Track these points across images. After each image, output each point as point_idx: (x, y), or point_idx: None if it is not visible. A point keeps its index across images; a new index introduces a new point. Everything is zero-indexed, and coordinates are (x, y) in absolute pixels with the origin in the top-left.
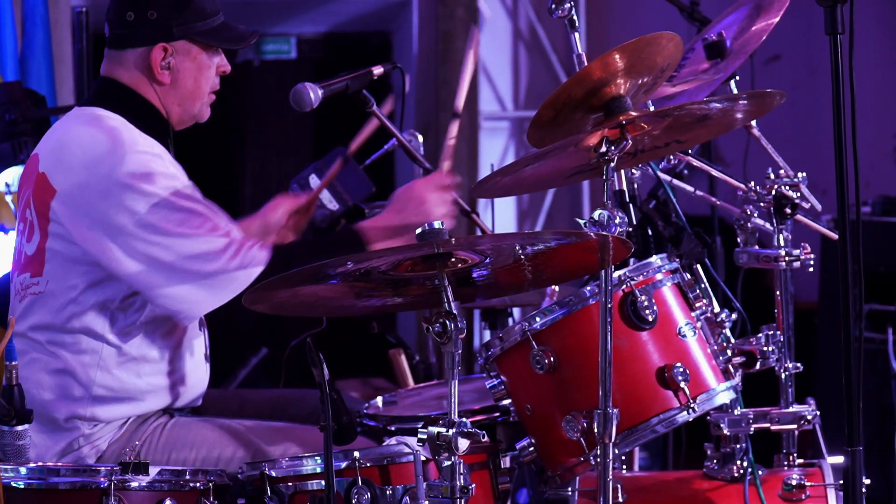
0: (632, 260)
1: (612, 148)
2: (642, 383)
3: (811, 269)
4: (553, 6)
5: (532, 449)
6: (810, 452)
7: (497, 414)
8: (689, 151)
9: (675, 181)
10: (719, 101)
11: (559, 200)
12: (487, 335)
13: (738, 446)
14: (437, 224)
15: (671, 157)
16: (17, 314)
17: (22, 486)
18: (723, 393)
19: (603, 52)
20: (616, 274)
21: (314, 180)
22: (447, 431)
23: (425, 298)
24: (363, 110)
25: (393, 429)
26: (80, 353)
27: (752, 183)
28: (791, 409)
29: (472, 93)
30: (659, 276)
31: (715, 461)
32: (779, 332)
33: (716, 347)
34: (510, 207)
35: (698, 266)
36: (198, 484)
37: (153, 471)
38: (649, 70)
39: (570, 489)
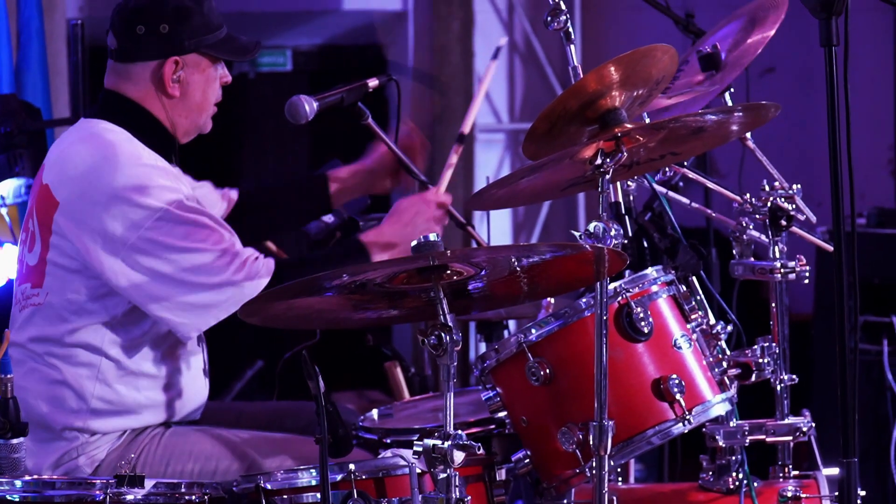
0: (627, 272)
1: (608, 160)
2: (638, 395)
3: (806, 281)
4: (549, 18)
5: (528, 461)
6: (806, 464)
7: (493, 426)
8: (685, 163)
9: (671, 193)
10: (714, 114)
11: (555, 212)
12: (483, 347)
13: (734, 458)
14: (432, 236)
15: (666, 169)
16: (17, 324)
17: (17, 499)
18: (718, 405)
19: (598, 65)
20: (612, 286)
21: None
22: (443, 444)
23: (421, 311)
24: (358, 122)
25: (389, 441)
26: (78, 366)
27: (748, 195)
28: (786, 421)
29: (467, 104)
30: (654, 288)
31: (710, 473)
32: (774, 344)
33: (711, 359)
34: (506, 220)
35: (694, 278)
36: (193, 497)
37: (148, 484)
38: (644, 82)
39: (565, 501)
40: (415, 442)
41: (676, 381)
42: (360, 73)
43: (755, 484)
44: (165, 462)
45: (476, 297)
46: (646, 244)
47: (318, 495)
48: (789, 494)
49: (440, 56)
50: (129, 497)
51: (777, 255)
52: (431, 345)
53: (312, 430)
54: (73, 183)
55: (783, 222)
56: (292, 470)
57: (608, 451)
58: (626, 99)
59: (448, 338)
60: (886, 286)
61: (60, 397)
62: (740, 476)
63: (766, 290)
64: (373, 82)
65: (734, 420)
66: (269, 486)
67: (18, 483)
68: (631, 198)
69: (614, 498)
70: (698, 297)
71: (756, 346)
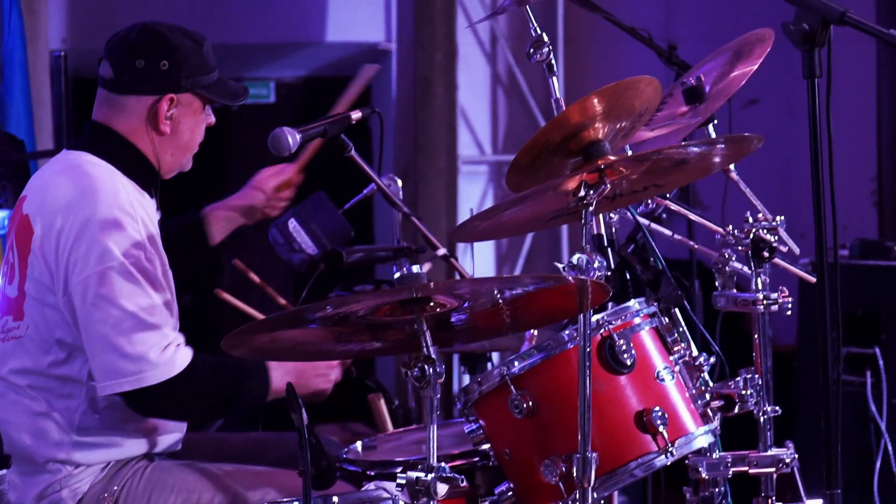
0: (610, 304)
1: (591, 192)
2: (621, 427)
3: (789, 313)
4: (531, 50)
5: (511, 493)
6: (789, 496)
7: (476, 458)
8: (668, 195)
9: (654, 225)
10: (697, 146)
11: (538, 244)
12: (466, 379)
13: (717, 490)
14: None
15: (649, 201)
16: None
17: None
18: (701, 437)
19: (581, 97)
20: (594, 318)
21: (293, 225)
22: (426, 476)
23: (404, 343)
24: (341, 154)
25: (372, 473)
26: (60, 398)
27: (731, 226)
28: (770, 453)
29: (451, 137)
30: (637, 320)
31: None
32: (757, 376)
33: (694, 391)
34: (489, 251)
35: (676, 310)
36: None
37: None
38: (628, 114)
39: None
40: (398, 474)
41: (659, 413)
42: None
43: None
44: (148, 496)
45: (459, 330)
46: (628, 276)
47: None
48: None
49: (423, 88)
50: None
51: (760, 286)
52: (414, 377)
53: (294, 462)
54: (51, 214)
55: (765, 254)
56: (276, 502)
57: (591, 484)
58: (610, 131)
59: (431, 370)
60: (869, 317)
61: (43, 429)
62: None
63: (749, 322)
64: (356, 114)
65: (717, 452)
66: None
67: None
68: (614, 230)
69: None
70: (681, 329)
71: (739, 378)
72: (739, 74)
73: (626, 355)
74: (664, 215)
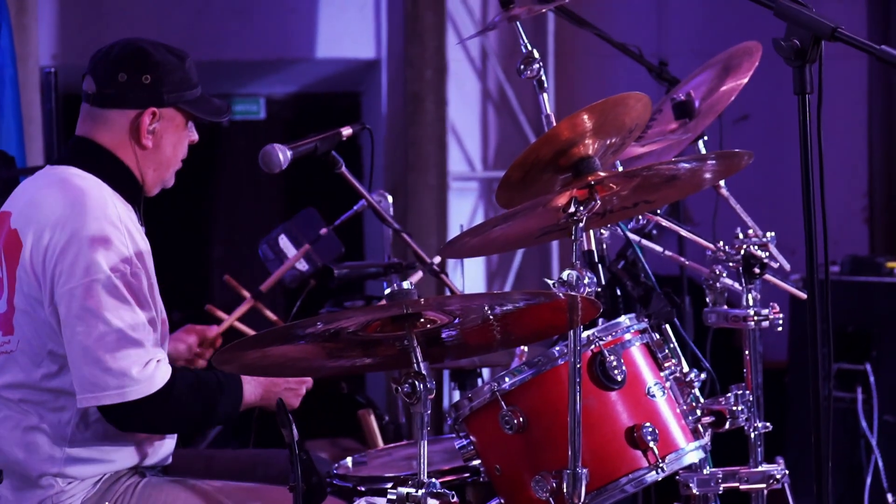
0: (600, 320)
1: (581, 208)
2: (611, 443)
3: (780, 329)
4: (522, 67)
5: None
6: None
7: (466, 474)
8: (658, 211)
9: (644, 241)
10: (688, 162)
11: (528, 260)
12: (456, 395)
13: None
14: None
15: (640, 217)
16: None
17: None
18: (692, 452)
19: (571, 113)
20: (585, 334)
21: (284, 241)
22: (416, 492)
23: (395, 359)
24: (332, 171)
25: (363, 489)
26: (52, 412)
27: (721, 243)
28: (760, 469)
29: (442, 153)
30: (628, 336)
31: None
32: (748, 392)
33: (685, 407)
34: (479, 267)
35: (667, 326)
36: None
37: None
38: (618, 130)
39: None
40: (389, 490)
41: (650, 429)
42: (333, 121)
43: None
44: None
45: (449, 346)
46: (619, 292)
47: None
48: None
49: (413, 104)
50: None
51: (750, 302)
52: (405, 393)
53: (285, 479)
54: (40, 228)
55: (756, 270)
56: None
57: (582, 500)
58: (600, 147)
59: (422, 386)
60: (860, 334)
61: (35, 443)
62: None
63: (740, 338)
64: (346, 131)
65: (708, 467)
66: None
67: None
68: (604, 246)
69: None
70: (672, 345)
71: (730, 394)
72: (729, 89)
73: (616, 371)
74: (654, 231)
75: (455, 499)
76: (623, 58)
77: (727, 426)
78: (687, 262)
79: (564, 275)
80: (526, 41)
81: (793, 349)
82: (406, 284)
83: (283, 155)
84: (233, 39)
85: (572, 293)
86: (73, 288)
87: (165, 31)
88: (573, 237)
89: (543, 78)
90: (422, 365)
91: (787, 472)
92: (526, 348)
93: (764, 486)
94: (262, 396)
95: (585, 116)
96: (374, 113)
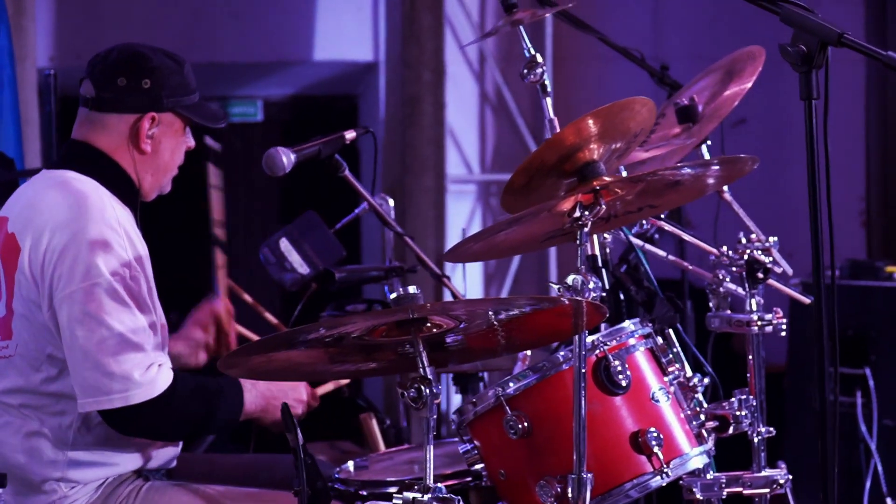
0: (603, 325)
1: (586, 213)
2: (616, 448)
3: (783, 334)
4: (525, 71)
5: None
6: None
7: (469, 479)
8: (661, 216)
9: (648, 245)
10: (692, 167)
11: (525, 264)
12: (458, 399)
13: None
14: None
15: (644, 221)
16: None
17: None
18: (696, 457)
19: (570, 117)
20: (589, 339)
21: (285, 244)
22: (422, 497)
23: (397, 363)
24: (335, 175)
25: (365, 493)
26: (53, 416)
27: (725, 247)
28: (763, 473)
29: (440, 155)
30: (632, 341)
31: None
32: (751, 397)
33: (689, 412)
34: (477, 271)
35: (670, 330)
36: None
37: None
38: (623, 135)
39: None
40: (394, 495)
41: (654, 434)
42: (331, 123)
43: None
44: None
45: (453, 350)
46: (622, 297)
47: None
48: None
49: (411, 106)
50: None
51: (754, 307)
52: (411, 397)
53: (288, 484)
54: (39, 231)
55: (760, 275)
56: None
57: None
58: (605, 152)
59: (428, 390)
60: (859, 338)
61: (37, 448)
62: None
63: (739, 342)
64: (350, 134)
65: (711, 472)
66: None
67: None
68: (607, 250)
69: None
70: (675, 350)
71: (733, 399)
72: (732, 94)
73: (621, 376)
74: (656, 236)
75: None
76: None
77: (731, 431)
78: (691, 267)
79: (569, 279)
80: (529, 45)
81: (792, 353)
82: (412, 289)
83: (286, 158)
84: (230, 41)
85: (577, 298)
86: (73, 292)
87: (162, 33)
88: (578, 242)
89: (547, 82)
90: (428, 369)
91: (790, 476)
92: (529, 353)
93: (767, 490)
94: (264, 407)
95: (591, 121)
96: (372, 115)
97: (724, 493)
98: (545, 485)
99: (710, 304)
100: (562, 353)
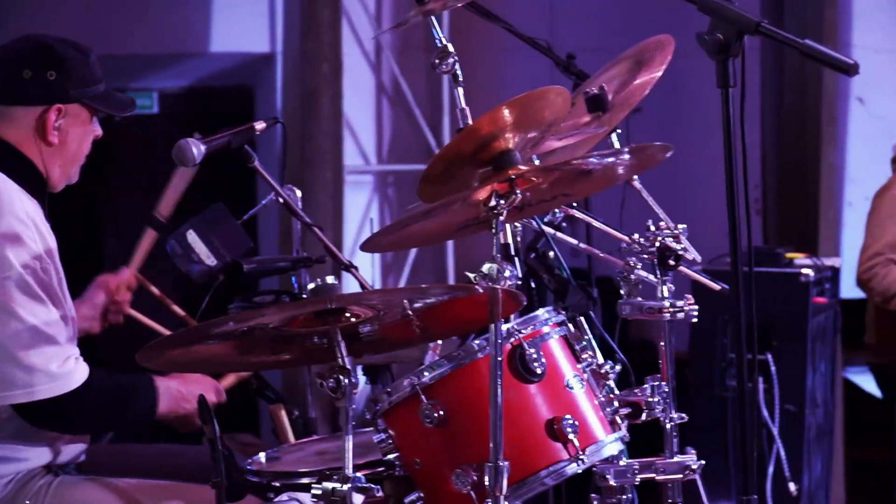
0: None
1: (502, 202)
2: (532, 436)
3: (695, 320)
4: (437, 61)
5: (421, 503)
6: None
7: (381, 468)
8: (573, 204)
9: (559, 234)
10: (608, 156)
11: (423, 255)
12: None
13: (624, 497)
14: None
15: (556, 210)
16: None
17: None
18: (611, 444)
19: (472, 108)
20: (504, 327)
21: (192, 236)
22: (342, 486)
23: (310, 354)
24: (245, 165)
25: (278, 485)
26: None
27: (636, 235)
28: (676, 459)
29: (337, 147)
30: (546, 329)
31: None
32: (664, 383)
33: (602, 399)
34: (374, 263)
35: (582, 318)
36: None
37: None
38: (538, 124)
39: None
40: (313, 485)
41: (570, 422)
42: (227, 115)
43: None
44: None
45: (367, 341)
46: (533, 285)
47: None
48: None
49: (309, 98)
50: None
51: (665, 294)
52: (330, 388)
53: (199, 475)
54: None
55: (671, 262)
56: None
57: (504, 492)
58: (520, 141)
59: (346, 380)
60: (761, 324)
61: None
62: None
63: (642, 329)
64: (259, 125)
65: (624, 459)
66: None
67: None
68: (518, 239)
69: None
70: (587, 337)
71: (646, 386)
72: (642, 83)
73: (536, 364)
74: (565, 224)
75: (380, 493)
76: (520, 53)
77: (644, 417)
78: (602, 255)
79: (485, 268)
80: (441, 35)
81: (694, 341)
82: (330, 279)
83: (196, 149)
84: (126, 33)
85: (493, 286)
86: None
87: (57, 25)
88: (493, 230)
89: (458, 72)
90: (346, 360)
91: (703, 462)
92: (440, 343)
93: (681, 476)
94: (174, 408)
95: (506, 111)
96: (269, 107)
97: (638, 479)
98: (462, 473)
99: (622, 292)
100: (477, 341)
